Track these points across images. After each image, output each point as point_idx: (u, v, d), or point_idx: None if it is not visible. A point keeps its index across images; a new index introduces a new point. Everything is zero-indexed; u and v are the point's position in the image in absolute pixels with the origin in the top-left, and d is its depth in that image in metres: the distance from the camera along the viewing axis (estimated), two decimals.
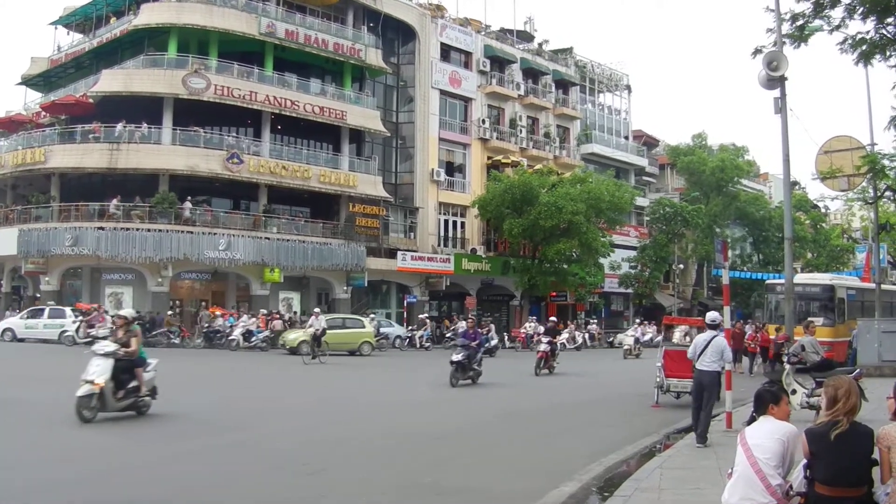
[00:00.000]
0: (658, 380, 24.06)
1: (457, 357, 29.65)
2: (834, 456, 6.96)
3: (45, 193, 54.41)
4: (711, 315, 17.68)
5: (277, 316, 52.30)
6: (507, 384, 31.50)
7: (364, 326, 47.31)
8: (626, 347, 52.39)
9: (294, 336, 44.70)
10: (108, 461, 13.73)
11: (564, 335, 57.34)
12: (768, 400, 7.78)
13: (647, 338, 61.11)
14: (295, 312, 55.27)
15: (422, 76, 66.56)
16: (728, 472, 7.83)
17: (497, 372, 34.29)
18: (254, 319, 48.66)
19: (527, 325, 61.06)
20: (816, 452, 7.10)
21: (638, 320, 60.96)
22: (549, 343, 35.74)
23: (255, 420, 18.94)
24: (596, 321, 72.27)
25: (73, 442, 15.48)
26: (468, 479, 13.23)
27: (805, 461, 7.29)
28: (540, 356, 35.03)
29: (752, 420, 8.17)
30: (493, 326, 53.73)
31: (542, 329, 45.18)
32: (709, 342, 16.52)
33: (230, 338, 46.66)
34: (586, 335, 65.42)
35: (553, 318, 40.65)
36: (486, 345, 44.96)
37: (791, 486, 7.36)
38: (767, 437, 7.43)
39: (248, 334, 47.12)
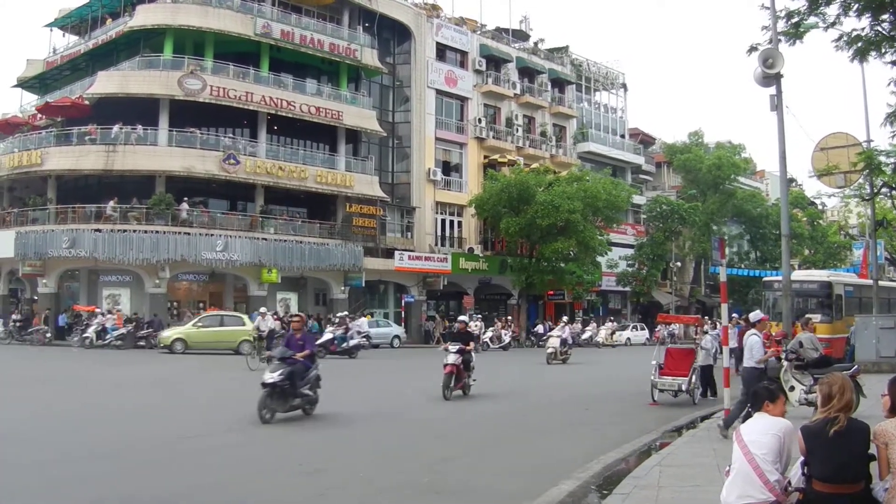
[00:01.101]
0: (653, 378, 24.08)
1: (270, 377, 18.18)
2: (830, 453, 6.96)
3: (41, 196, 54.37)
4: (754, 314, 18.11)
5: (275, 317, 52.37)
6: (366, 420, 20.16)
7: (244, 324, 44.71)
8: (549, 351, 43.61)
9: (169, 334, 43.85)
10: None
11: (489, 334, 56.65)
12: (764, 397, 7.81)
13: (586, 336, 61.74)
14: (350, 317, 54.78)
15: (418, 76, 66.56)
16: (726, 470, 7.84)
17: (376, 393, 27.55)
18: (110, 316, 47.72)
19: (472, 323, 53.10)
20: (812, 449, 7.10)
21: (565, 318, 52.26)
22: (458, 353, 24.49)
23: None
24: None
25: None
26: (467, 479, 13.22)
27: (802, 458, 7.29)
28: (448, 371, 23.98)
29: (748, 417, 8.20)
30: (481, 325, 53.30)
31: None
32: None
33: (84, 335, 45.70)
34: (511, 334, 62.12)
35: (462, 318, 28.86)
36: (345, 344, 43.10)
37: (789, 482, 7.37)
38: (763, 433, 7.44)
39: (102, 332, 46.14)
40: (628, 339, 71.59)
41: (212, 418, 19.48)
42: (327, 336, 43.58)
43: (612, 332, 68.69)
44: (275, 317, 45.02)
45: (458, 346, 24.89)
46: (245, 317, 46.15)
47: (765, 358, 17.93)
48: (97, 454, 14.55)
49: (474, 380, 25.79)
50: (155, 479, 12.58)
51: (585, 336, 64.80)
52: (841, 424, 7.00)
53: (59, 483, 12.08)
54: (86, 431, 17.21)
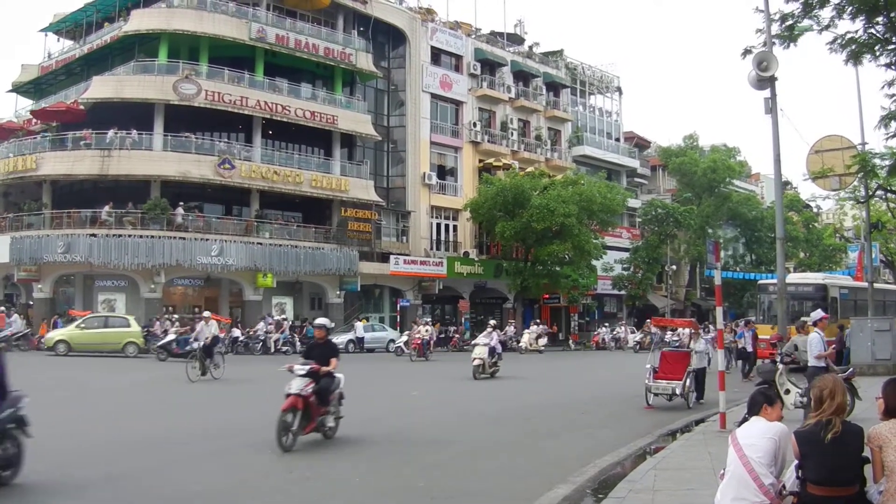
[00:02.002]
0: (647, 382, 24.09)
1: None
2: (825, 456, 6.97)
3: (36, 201, 54.28)
4: (815, 313, 18.27)
5: (271, 321, 52.40)
6: None
7: (129, 325, 43.82)
8: (476, 362, 33.94)
9: (52, 335, 43.15)
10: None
11: (402, 339, 52.41)
12: (762, 401, 7.81)
13: (526, 339, 58.53)
14: (286, 319, 54.75)
15: (412, 80, 66.57)
16: (720, 474, 7.83)
17: None
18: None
19: (420, 328, 49.76)
20: (807, 453, 7.11)
21: (492, 322, 42.45)
22: (308, 377, 16.17)
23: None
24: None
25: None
26: (461, 483, 13.23)
27: (797, 461, 7.29)
28: (288, 405, 15.70)
29: (743, 422, 8.19)
30: (432, 331, 51.12)
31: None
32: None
33: None
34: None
35: (321, 322, 18.02)
36: (187, 347, 34.99)
37: (784, 486, 7.38)
38: (759, 436, 7.44)
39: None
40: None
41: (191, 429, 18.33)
42: (170, 337, 41.74)
43: (538, 337, 60.72)
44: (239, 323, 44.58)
45: (307, 368, 16.10)
46: (132, 318, 45.41)
47: (825, 354, 17.92)
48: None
49: (339, 417, 17.22)
50: (144, 485, 12.56)
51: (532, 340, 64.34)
52: (836, 429, 6.99)
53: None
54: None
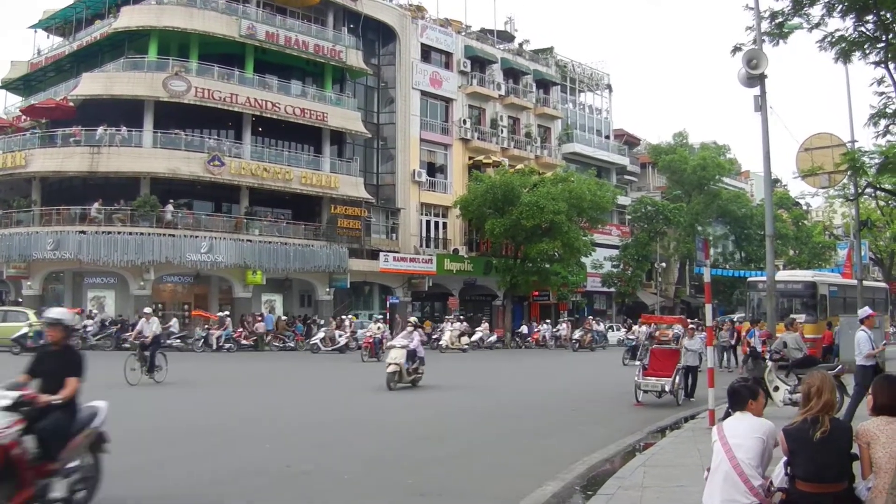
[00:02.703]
0: (637, 379, 24.13)
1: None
2: (813, 453, 6.96)
3: (26, 198, 54.15)
4: (862, 311, 18.29)
5: (260, 318, 52.33)
6: None
7: (28, 319, 41.86)
8: (391, 369, 27.15)
9: None
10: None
11: (321, 333, 50.52)
12: (746, 396, 7.72)
13: (448, 337, 54.57)
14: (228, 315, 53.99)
15: (402, 77, 66.57)
16: (705, 474, 7.80)
17: None
18: None
19: (372, 325, 47.92)
20: (795, 450, 7.10)
21: (412, 319, 36.77)
22: (19, 410, 9.02)
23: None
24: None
25: None
26: (451, 481, 13.24)
27: (785, 458, 7.30)
28: None
29: (727, 416, 8.17)
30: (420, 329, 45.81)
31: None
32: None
33: None
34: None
35: (55, 315, 10.18)
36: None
37: (772, 483, 7.38)
38: (747, 436, 7.40)
39: None
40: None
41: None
42: (22, 331, 39.96)
43: (462, 335, 56.59)
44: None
45: (14, 396, 9.11)
46: (31, 312, 43.06)
47: (875, 352, 17.92)
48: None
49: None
50: (139, 479, 12.53)
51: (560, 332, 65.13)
52: (825, 428, 6.99)
53: None
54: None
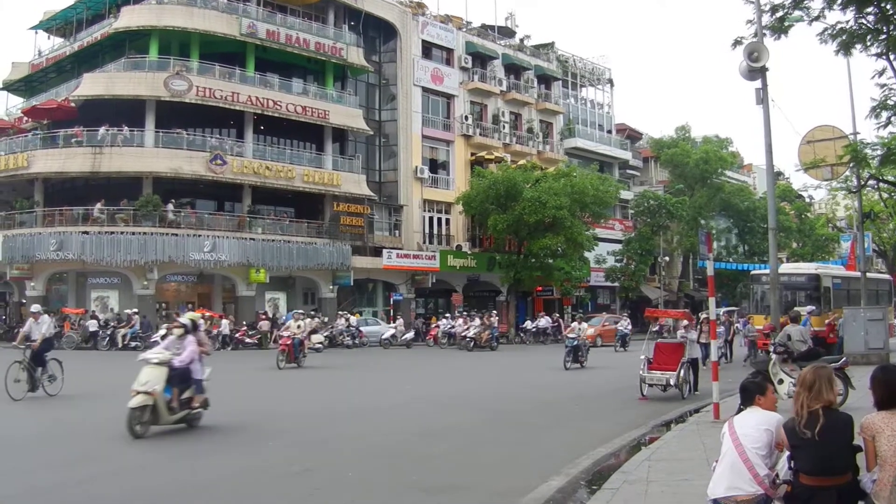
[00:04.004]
0: (641, 373, 24.14)
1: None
2: (813, 447, 6.96)
3: (28, 199, 54.22)
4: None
5: (264, 316, 52.39)
6: None
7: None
8: (135, 402, 16.25)
9: None
10: (152, 476, 13.37)
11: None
12: (754, 391, 7.80)
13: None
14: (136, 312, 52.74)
15: (404, 74, 66.55)
16: (712, 466, 7.83)
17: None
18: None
19: (291, 323, 37.58)
20: (796, 444, 7.10)
21: (184, 317, 20.72)
22: None
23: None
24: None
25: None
26: (455, 476, 13.25)
27: (788, 451, 7.31)
28: None
29: (739, 412, 8.20)
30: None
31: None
32: None
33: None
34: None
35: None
36: None
37: (777, 475, 7.39)
38: (755, 427, 7.43)
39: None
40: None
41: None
42: None
43: (313, 331, 45.67)
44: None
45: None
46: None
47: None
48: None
49: None
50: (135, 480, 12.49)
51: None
52: (822, 422, 6.99)
53: None
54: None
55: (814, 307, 34.46)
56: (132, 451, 15.00)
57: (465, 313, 58.47)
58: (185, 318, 18.66)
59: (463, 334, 53.04)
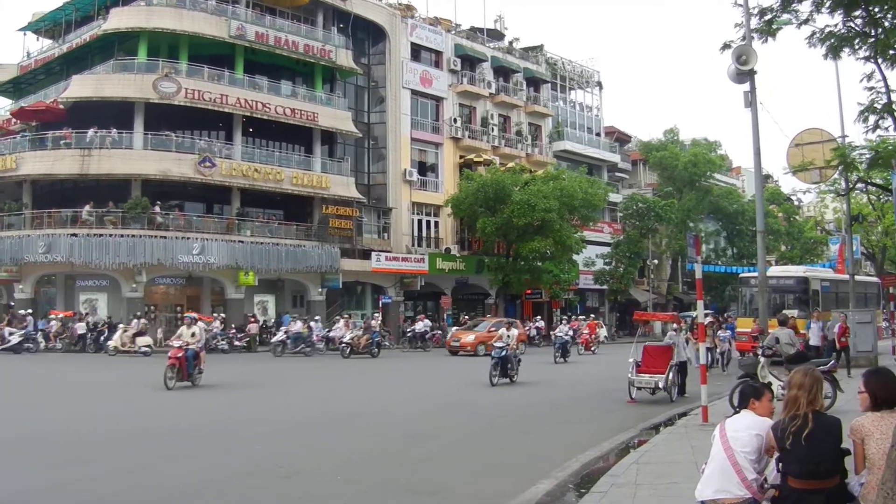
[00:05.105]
0: (630, 376, 24.18)
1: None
2: (801, 450, 6.98)
3: (16, 201, 54.08)
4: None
5: (253, 319, 52.30)
6: None
7: None
8: None
9: None
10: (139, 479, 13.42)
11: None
12: (749, 395, 7.86)
13: (118, 337, 44.57)
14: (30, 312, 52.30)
15: (392, 76, 66.53)
16: (701, 468, 7.85)
17: None
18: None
19: (184, 329, 29.00)
20: (784, 448, 7.12)
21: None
22: None
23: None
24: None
25: None
26: (445, 479, 13.25)
27: (777, 454, 7.33)
28: None
29: (735, 415, 8.22)
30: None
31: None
32: None
33: None
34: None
35: None
36: None
37: (766, 480, 7.40)
38: (746, 431, 7.46)
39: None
40: None
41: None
42: None
43: (137, 334, 45.23)
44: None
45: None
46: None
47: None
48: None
49: None
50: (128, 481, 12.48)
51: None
52: (808, 428, 7.01)
53: None
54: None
55: (802, 311, 34.59)
56: (116, 455, 15.11)
57: (347, 316, 52.43)
58: None
59: (340, 339, 47.26)
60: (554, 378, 33.60)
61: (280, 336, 47.75)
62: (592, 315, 63.25)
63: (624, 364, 25.76)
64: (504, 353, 29.72)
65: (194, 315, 32.64)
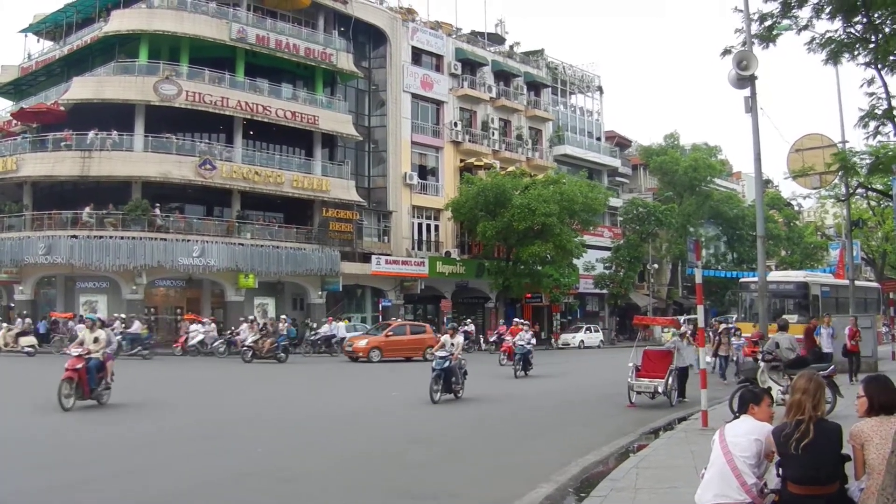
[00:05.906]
0: (630, 381, 24.16)
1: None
2: (801, 456, 6.97)
3: (17, 202, 54.08)
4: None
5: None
6: None
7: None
8: None
9: None
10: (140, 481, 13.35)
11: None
12: (749, 399, 7.84)
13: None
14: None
15: (393, 80, 66.54)
16: (701, 473, 7.86)
17: None
18: None
19: (85, 333, 22.94)
20: (784, 453, 7.12)
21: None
22: None
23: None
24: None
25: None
26: (444, 484, 13.25)
27: (777, 459, 7.33)
28: None
29: (735, 420, 8.22)
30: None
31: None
32: None
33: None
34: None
35: None
36: None
37: (765, 484, 7.40)
38: (745, 435, 7.45)
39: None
40: (581, 341, 70.41)
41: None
42: None
43: (21, 334, 43.52)
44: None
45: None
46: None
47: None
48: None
49: None
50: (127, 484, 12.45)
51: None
52: (810, 434, 7.01)
53: None
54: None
55: (802, 316, 34.56)
56: (118, 457, 14.99)
57: (252, 319, 49.16)
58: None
59: (242, 342, 44.40)
60: (511, 392, 29.35)
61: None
62: (517, 320, 50.46)
63: (621, 369, 25.74)
64: (447, 363, 25.07)
65: (97, 316, 28.93)
